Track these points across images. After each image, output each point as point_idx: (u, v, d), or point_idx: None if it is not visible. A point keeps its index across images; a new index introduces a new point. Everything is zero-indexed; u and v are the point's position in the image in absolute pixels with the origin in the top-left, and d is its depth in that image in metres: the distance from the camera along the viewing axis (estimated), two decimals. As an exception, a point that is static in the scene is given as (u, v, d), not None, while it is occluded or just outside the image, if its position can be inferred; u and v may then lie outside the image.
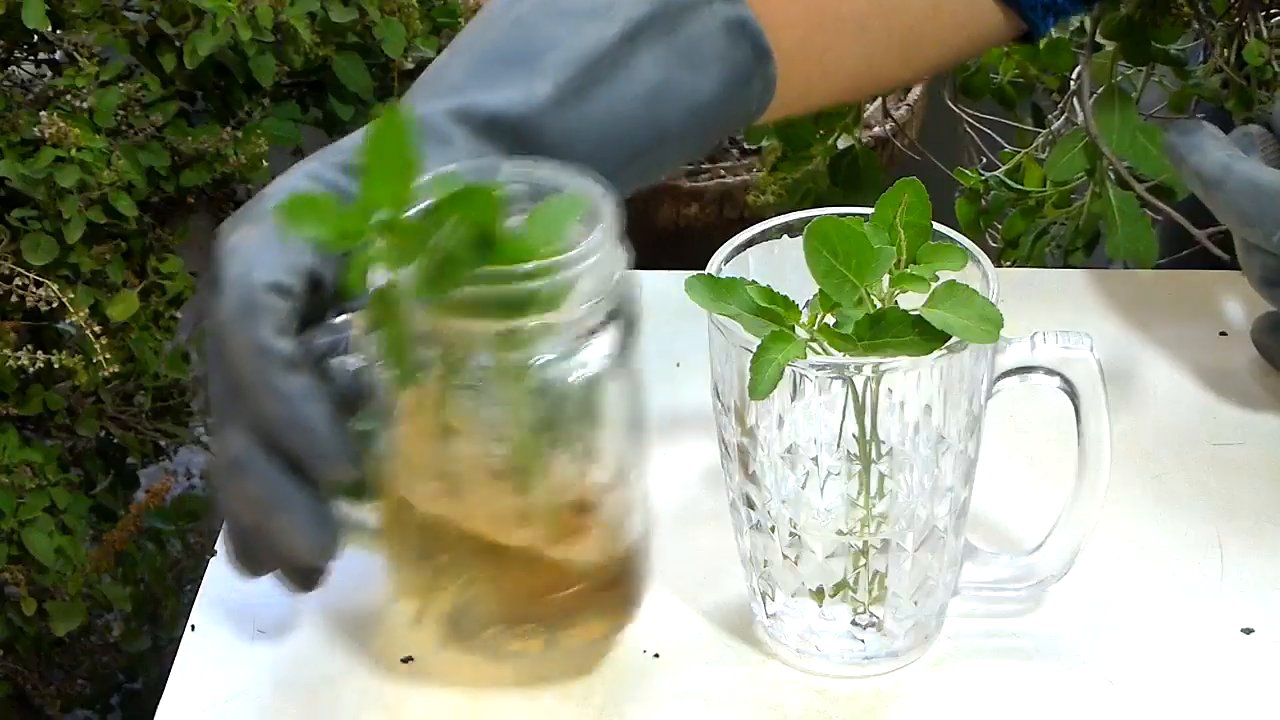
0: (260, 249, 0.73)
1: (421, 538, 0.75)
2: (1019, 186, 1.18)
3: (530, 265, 0.68)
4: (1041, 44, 1.22)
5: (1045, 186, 1.16)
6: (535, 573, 0.74)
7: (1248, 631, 0.78)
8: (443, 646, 0.76)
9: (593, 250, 0.70)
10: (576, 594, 0.75)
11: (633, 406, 0.73)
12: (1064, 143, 1.08)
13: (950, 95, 1.36)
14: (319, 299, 0.74)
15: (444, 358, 0.70)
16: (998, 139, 1.41)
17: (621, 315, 0.72)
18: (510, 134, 0.80)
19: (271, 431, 0.71)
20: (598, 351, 0.71)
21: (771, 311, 0.69)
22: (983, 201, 1.20)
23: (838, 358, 0.69)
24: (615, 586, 0.76)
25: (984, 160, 1.38)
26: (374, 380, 0.72)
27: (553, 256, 0.69)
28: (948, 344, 0.68)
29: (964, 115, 1.40)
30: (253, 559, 0.75)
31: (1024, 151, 1.24)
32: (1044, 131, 1.27)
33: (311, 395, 0.70)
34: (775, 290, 0.69)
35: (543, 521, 0.73)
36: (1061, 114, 1.26)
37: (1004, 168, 1.22)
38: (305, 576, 0.76)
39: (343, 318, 0.73)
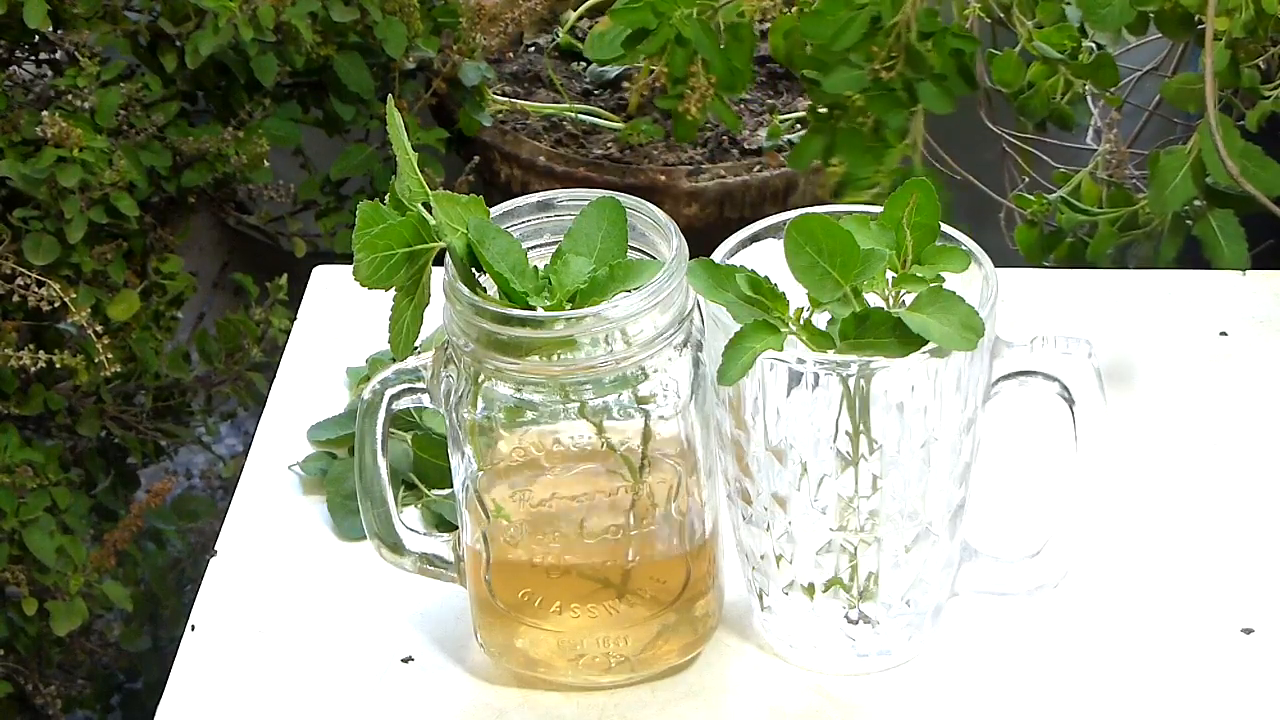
0: None
1: (505, 573, 0.75)
2: (1083, 207, 1.17)
3: (553, 313, 0.69)
4: (1085, 60, 1.20)
5: (1102, 206, 1.16)
6: (621, 604, 0.74)
7: (1248, 631, 0.78)
8: (523, 676, 0.77)
9: (663, 288, 0.70)
10: (659, 622, 0.75)
11: (705, 429, 0.74)
12: (1164, 168, 1.06)
13: (987, 114, 1.35)
14: None
15: (518, 396, 0.70)
16: (1008, 148, 1.40)
17: (695, 343, 0.72)
18: None
19: None
20: (676, 378, 0.71)
21: (758, 301, 0.69)
22: (1046, 226, 1.19)
23: (810, 354, 0.69)
24: (694, 610, 0.76)
25: (1026, 180, 1.38)
26: (451, 420, 0.72)
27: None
28: (925, 348, 0.68)
29: (1003, 135, 1.39)
30: None
31: (1084, 170, 1.23)
32: (1098, 150, 1.26)
33: None
34: (771, 282, 0.69)
35: (633, 552, 0.73)
36: (1102, 133, 1.25)
37: (1064, 189, 1.21)
38: None
39: (415, 360, 0.73)
